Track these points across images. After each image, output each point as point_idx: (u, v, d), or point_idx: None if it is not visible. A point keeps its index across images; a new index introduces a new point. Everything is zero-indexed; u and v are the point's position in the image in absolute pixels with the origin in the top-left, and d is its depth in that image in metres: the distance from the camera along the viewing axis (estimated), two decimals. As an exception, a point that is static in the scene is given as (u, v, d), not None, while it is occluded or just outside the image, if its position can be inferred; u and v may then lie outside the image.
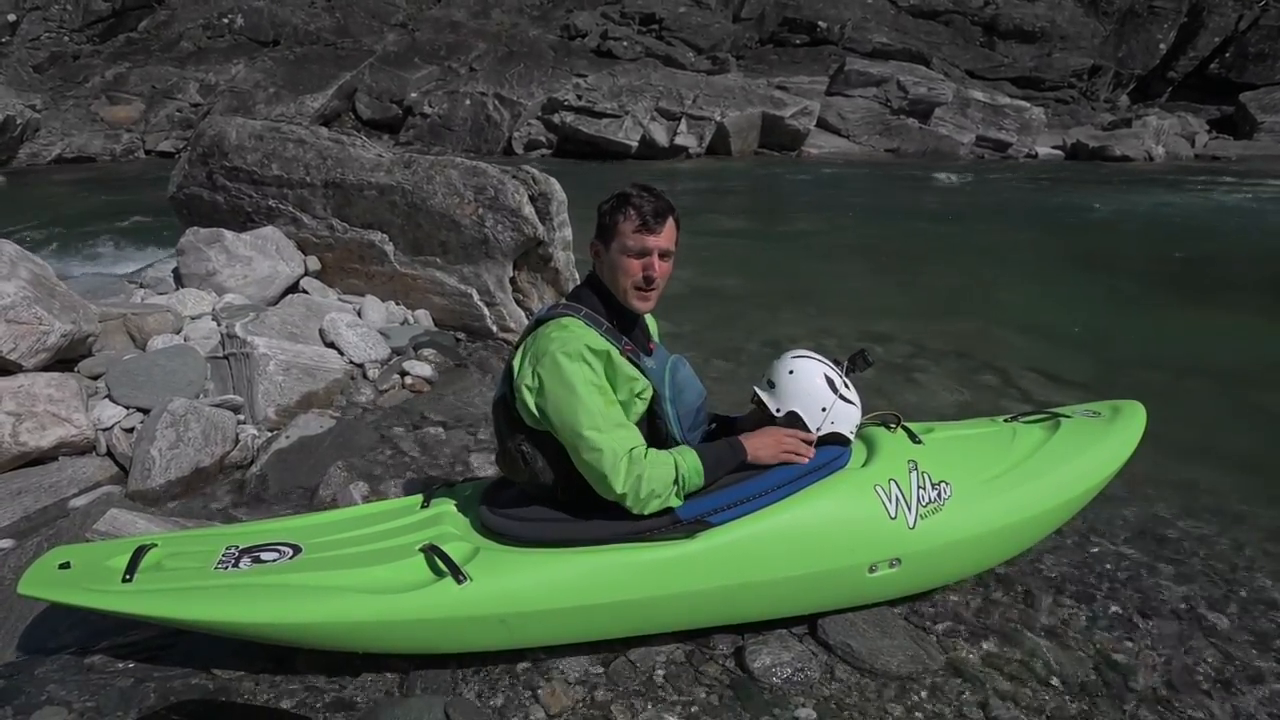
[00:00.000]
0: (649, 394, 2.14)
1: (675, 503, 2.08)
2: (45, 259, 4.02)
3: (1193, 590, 2.84)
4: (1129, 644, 2.51)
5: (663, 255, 2.12)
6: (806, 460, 2.26)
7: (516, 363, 2.13)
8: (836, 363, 2.46)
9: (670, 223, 2.11)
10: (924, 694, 2.24)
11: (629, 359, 2.11)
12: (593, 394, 2.00)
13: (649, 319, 2.37)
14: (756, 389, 2.43)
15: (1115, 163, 21.00)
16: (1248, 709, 2.26)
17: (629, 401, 2.10)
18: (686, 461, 2.08)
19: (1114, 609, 2.69)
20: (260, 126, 5.76)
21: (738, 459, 2.19)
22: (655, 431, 2.19)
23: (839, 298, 7.23)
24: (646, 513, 2.06)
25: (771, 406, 2.37)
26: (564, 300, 2.23)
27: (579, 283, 2.32)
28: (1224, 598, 2.80)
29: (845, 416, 2.37)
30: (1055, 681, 2.33)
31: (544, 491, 2.19)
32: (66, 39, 26.17)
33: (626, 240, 2.07)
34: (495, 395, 2.27)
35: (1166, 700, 2.29)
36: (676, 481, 2.06)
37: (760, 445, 2.22)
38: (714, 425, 2.52)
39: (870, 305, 6.93)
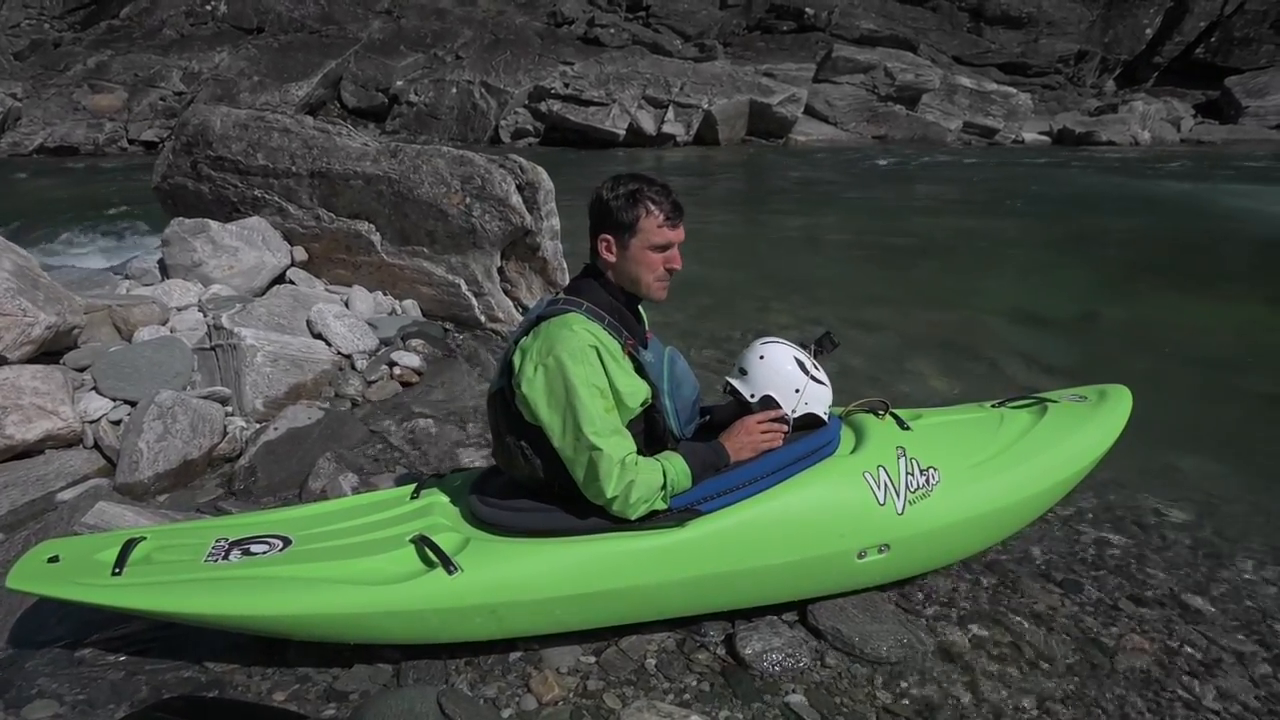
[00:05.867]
0: (647, 398, 2.15)
1: (661, 506, 2.13)
2: (29, 250, 3.97)
3: (1177, 574, 2.87)
4: (1114, 627, 2.54)
5: (678, 247, 2.19)
6: (783, 437, 2.30)
7: (517, 359, 2.11)
8: (804, 346, 2.51)
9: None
10: (914, 678, 2.26)
11: (630, 355, 2.13)
12: (594, 397, 2.01)
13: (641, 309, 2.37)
14: (729, 379, 2.46)
15: (1101, 148, 21.07)
16: (1231, 691, 2.29)
17: (622, 406, 2.11)
18: (674, 467, 2.13)
19: (1100, 593, 2.72)
20: (245, 115, 5.71)
21: (722, 462, 2.23)
22: (653, 426, 2.19)
23: (827, 286, 7.24)
24: (633, 517, 2.09)
25: (746, 393, 2.40)
26: (564, 294, 2.21)
27: (567, 272, 2.32)
28: (1208, 582, 2.83)
29: (818, 397, 2.41)
30: (1043, 664, 2.36)
31: (540, 484, 2.19)
32: (47, 26, 25.83)
33: (652, 236, 2.11)
34: (492, 388, 2.25)
35: (1152, 682, 2.32)
36: (664, 487, 2.10)
37: (740, 445, 2.26)
38: (707, 418, 2.53)
39: (858, 293, 6.94)
